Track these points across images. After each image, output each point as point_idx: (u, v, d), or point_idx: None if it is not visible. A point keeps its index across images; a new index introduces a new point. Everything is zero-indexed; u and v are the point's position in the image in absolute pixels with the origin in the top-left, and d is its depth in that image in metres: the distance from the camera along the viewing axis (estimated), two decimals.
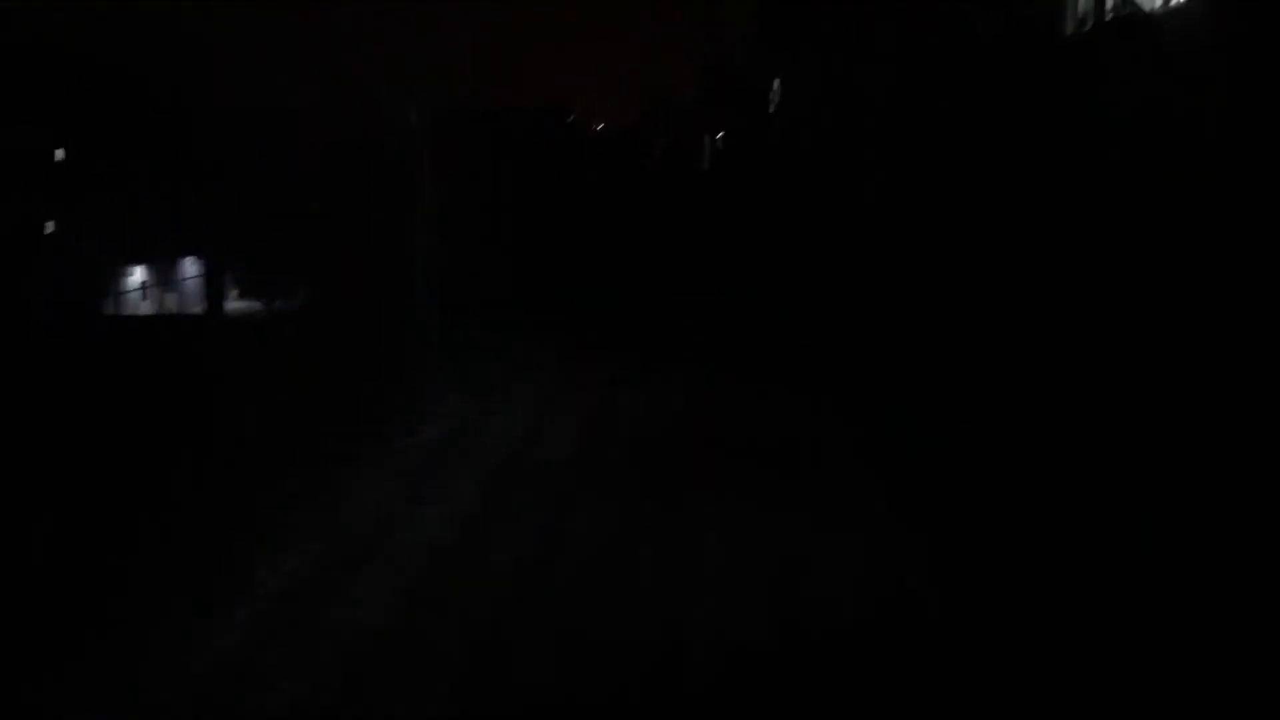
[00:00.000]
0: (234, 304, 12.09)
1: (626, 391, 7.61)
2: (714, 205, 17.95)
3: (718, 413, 7.26)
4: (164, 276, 12.34)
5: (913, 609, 4.22)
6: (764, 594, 4.29)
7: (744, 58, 21.88)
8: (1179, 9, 3.99)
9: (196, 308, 11.30)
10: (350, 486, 5.34)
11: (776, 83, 20.52)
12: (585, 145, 18.46)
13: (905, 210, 8.30)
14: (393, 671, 3.90)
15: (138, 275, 13.18)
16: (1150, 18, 4.13)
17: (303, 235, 6.11)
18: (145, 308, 12.53)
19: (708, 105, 22.59)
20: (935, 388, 6.38)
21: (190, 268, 12.04)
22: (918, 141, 8.20)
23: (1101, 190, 4.64)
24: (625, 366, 8.66)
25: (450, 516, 5.02)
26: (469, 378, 7.55)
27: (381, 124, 6.53)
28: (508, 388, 7.60)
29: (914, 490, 5.39)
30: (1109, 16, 4.65)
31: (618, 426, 6.77)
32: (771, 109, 21.10)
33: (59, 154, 10.06)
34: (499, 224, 9.84)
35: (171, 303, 12.67)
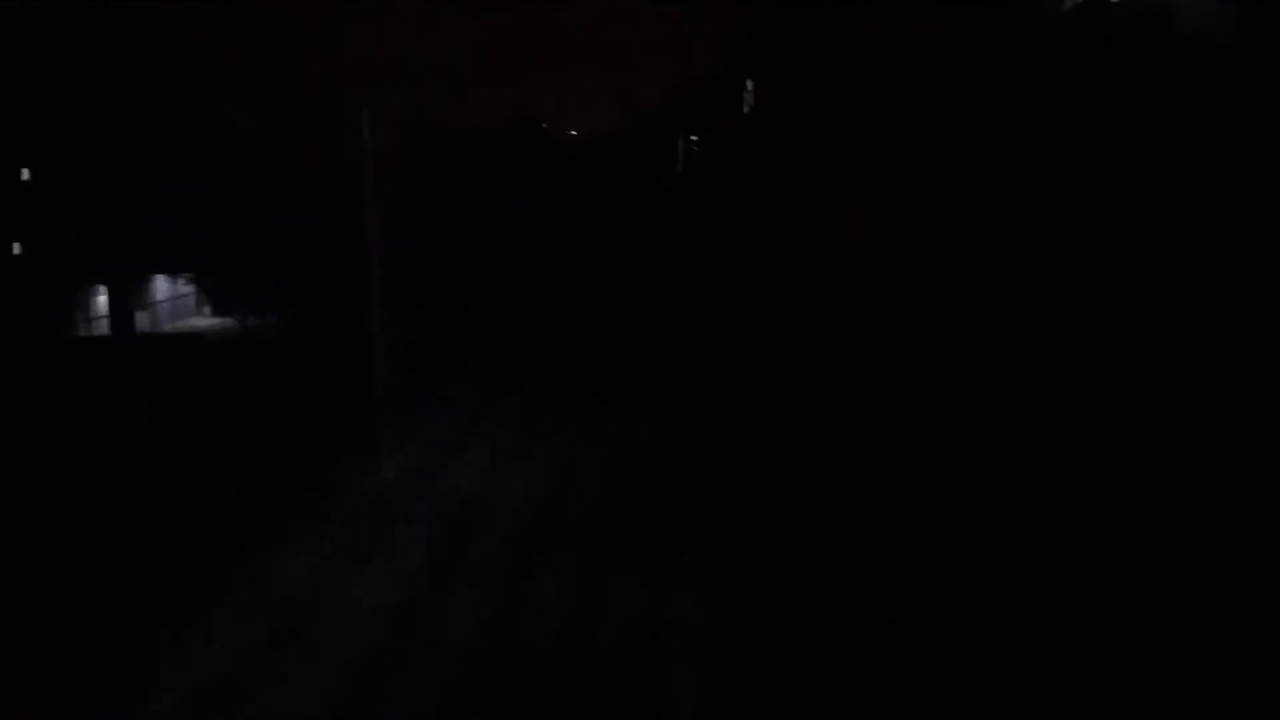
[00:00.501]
0: (204, 322, 11.82)
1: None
2: (681, 223, 18.23)
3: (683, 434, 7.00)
4: (133, 297, 11.99)
5: None
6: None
7: (719, 65, 21.89)
8: None
9: (168, 326, 11.03)
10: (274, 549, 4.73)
11: (750, 86, 20.50)
12: (556, 159, 18.38)
13: (881, 235, 8.09)
14: None
15: (105, 296, 12.80)
16: None
17: (269, 254, 5.91)
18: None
19: (681, 114, 22.53)
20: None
21: (163, 286, 11.78)
22: (895, 146, 8.05)
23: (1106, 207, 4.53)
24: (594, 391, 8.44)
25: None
26: (431, 413, 7.17)
27: (345, 141, 6.35)
28: (469, 427, 7.27)
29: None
30: None
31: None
32: (746, 113, 21.09)
33: (25, 174, 9.77)
34: (471, 244, 9.70)
35: (144, 322, 12.34)
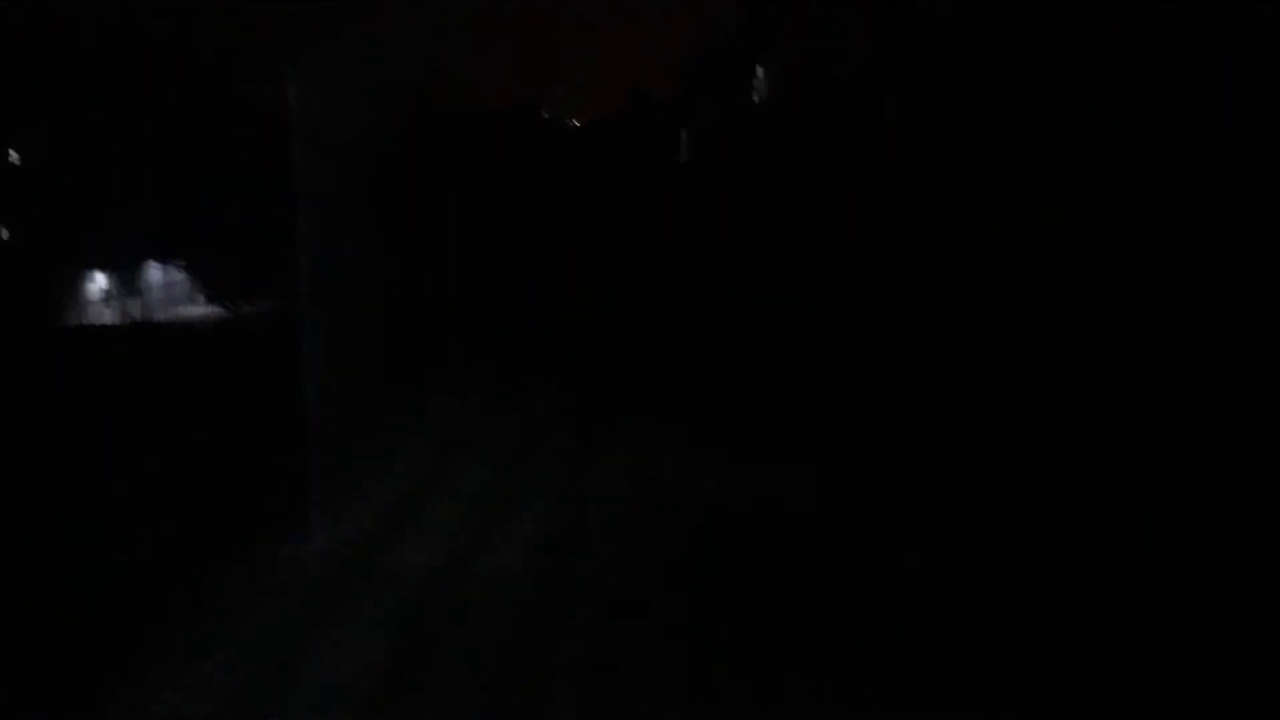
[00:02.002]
0: (197, 310, 11.83)
1: None
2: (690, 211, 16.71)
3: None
4: (127, 283, 12.16)
5: None
6: None
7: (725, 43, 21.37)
8: None
9: (160, 314, 11.18)
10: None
11: (760, 70, 20.12)
12: (561, 143, 18.16)
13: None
14: None
15: (100, 282, 12.98)
16: None
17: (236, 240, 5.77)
18: (108, 316, 12.42)
19: (688, 96, 22.28)
20: None
21: (154, 273, 11.88)
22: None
23: None
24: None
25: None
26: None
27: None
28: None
29: None
30: None
31: None
32: (756, 98, 20.78)
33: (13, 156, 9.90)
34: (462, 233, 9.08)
35: (135, 310, 12.56)
